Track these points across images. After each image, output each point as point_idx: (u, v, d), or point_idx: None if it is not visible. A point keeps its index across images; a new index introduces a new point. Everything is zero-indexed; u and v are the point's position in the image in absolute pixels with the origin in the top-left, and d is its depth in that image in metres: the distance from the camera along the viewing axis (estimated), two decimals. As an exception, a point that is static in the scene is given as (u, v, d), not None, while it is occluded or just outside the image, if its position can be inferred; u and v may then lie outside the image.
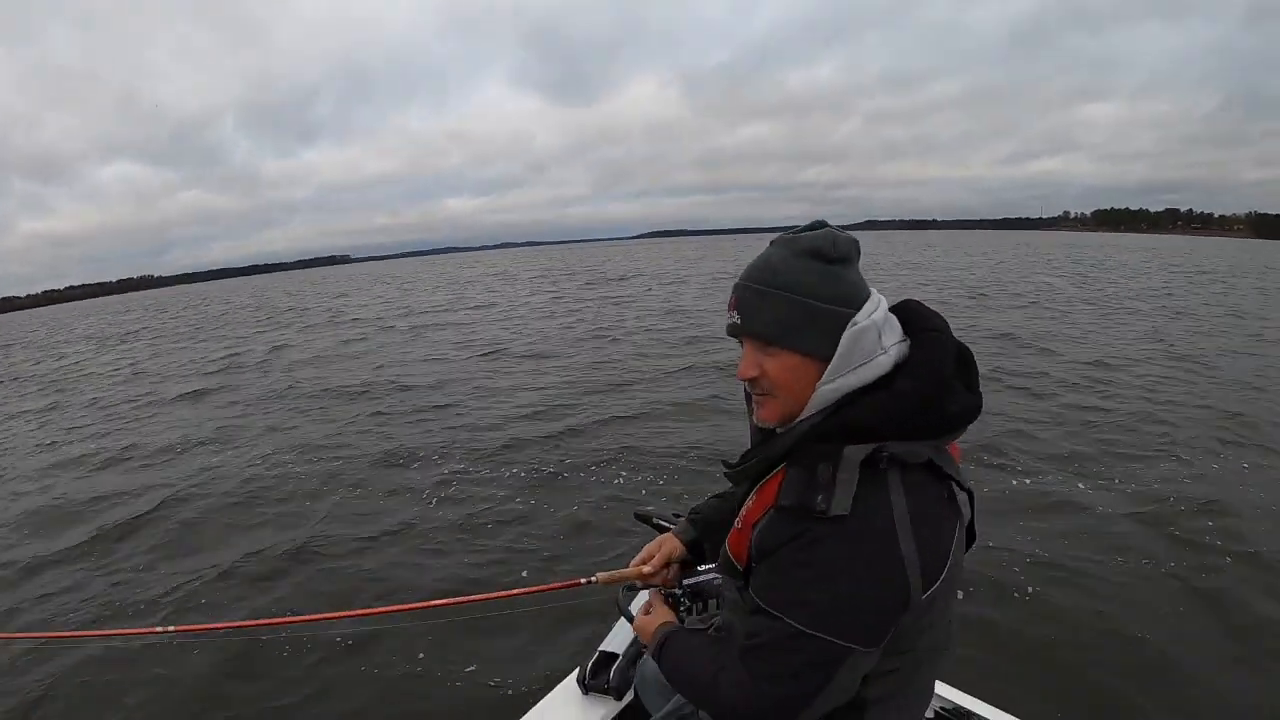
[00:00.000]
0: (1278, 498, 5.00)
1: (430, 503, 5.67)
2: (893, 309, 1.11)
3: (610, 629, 2.10)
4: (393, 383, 10.74)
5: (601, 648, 2.03)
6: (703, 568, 1.59)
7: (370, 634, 3.62)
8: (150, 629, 1.32)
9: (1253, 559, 4.15)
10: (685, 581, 1.56)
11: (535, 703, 1.97)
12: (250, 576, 4.57)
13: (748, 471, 1.15)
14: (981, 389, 1.09)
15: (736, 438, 5.96)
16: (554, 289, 29.67)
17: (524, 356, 12.57)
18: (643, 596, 2.10)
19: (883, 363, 1.03)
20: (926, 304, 1.13)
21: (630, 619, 1.69)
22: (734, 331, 1.10)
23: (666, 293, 24.42)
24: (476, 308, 23.40)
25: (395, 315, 22.94)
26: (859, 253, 1.07)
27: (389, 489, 6.05)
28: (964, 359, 1.08)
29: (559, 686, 2.02)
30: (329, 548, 4.91)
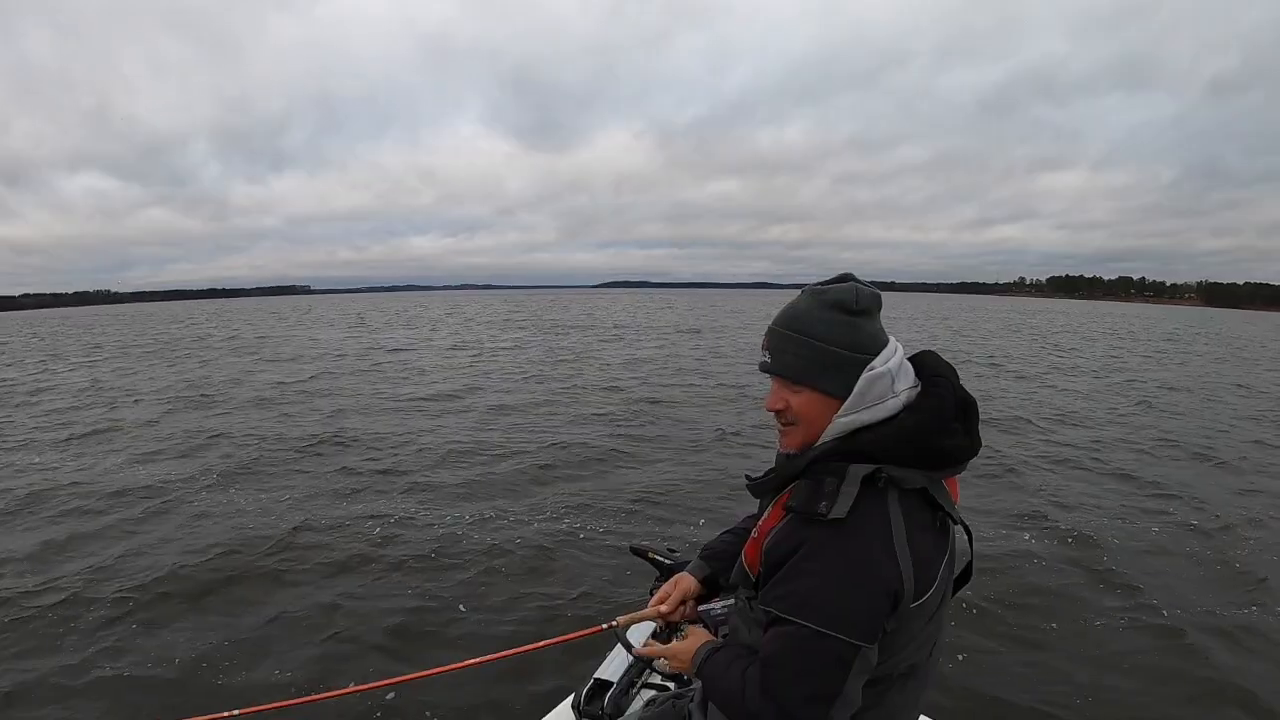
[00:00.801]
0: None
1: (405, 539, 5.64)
2: (911, 358, 1.25)
3: (606, 657, 2.16)
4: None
5: (597, 675, 2.07)
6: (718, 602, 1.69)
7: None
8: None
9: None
10: (700, 609, 1.61)
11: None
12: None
13: (766, 486, 1.28)
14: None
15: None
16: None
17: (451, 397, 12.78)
18: (639, 626, 2.18)
19: (892, 405, 1.17)
20: (940, 355, 1.28)
21: (629, 647, 1.77)
22: (765, 369, 1.26)
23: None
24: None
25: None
26: (880, 305, 1.22)
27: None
28: (966, 406, 1.21)
29: (554, 711, 2.07)
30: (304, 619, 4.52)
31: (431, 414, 11.18)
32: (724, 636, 1.43)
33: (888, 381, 1.17)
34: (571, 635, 1.68)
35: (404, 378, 15.88)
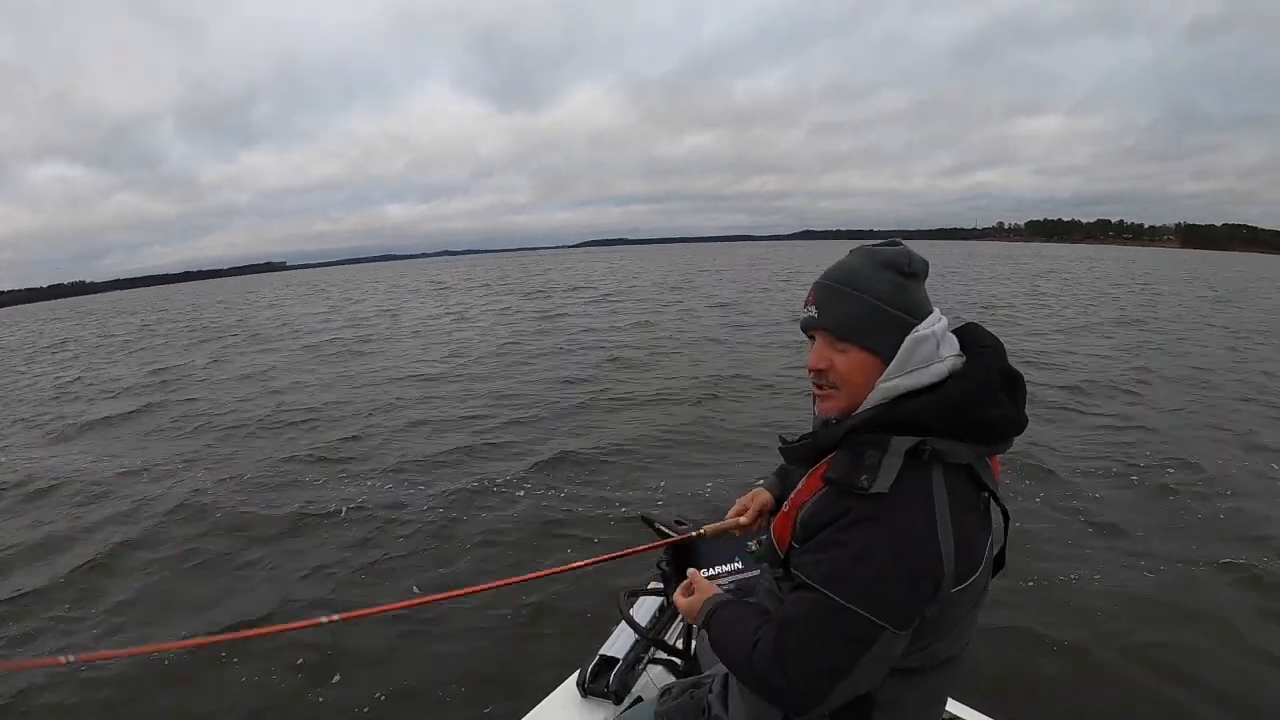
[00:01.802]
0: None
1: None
2: (956, 330, 1.21)
3: (611, 633, 2.14)
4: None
5: (602, 651, 2.07)
6: (712, 571, 1.73)
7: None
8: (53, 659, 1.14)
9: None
10: (727, 581, 1.72)
11: (535, 705, 2.01)
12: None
13: (800, 452, 1.22)
14: None
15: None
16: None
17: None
18: (645, 601, 2.16)
19: (937, 370, 1.12)
20: (985, 327, 1.23)
21: (633, 624, 1.75)
22: (810, 325, 1.20)
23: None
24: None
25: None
26: (927, 273, 1.19)
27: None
28: (1013, 378, 1.16)
29: (558, 689, 2.05)
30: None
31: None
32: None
33: (933, 345, 1.13)
34: (656, 545, 1.67)
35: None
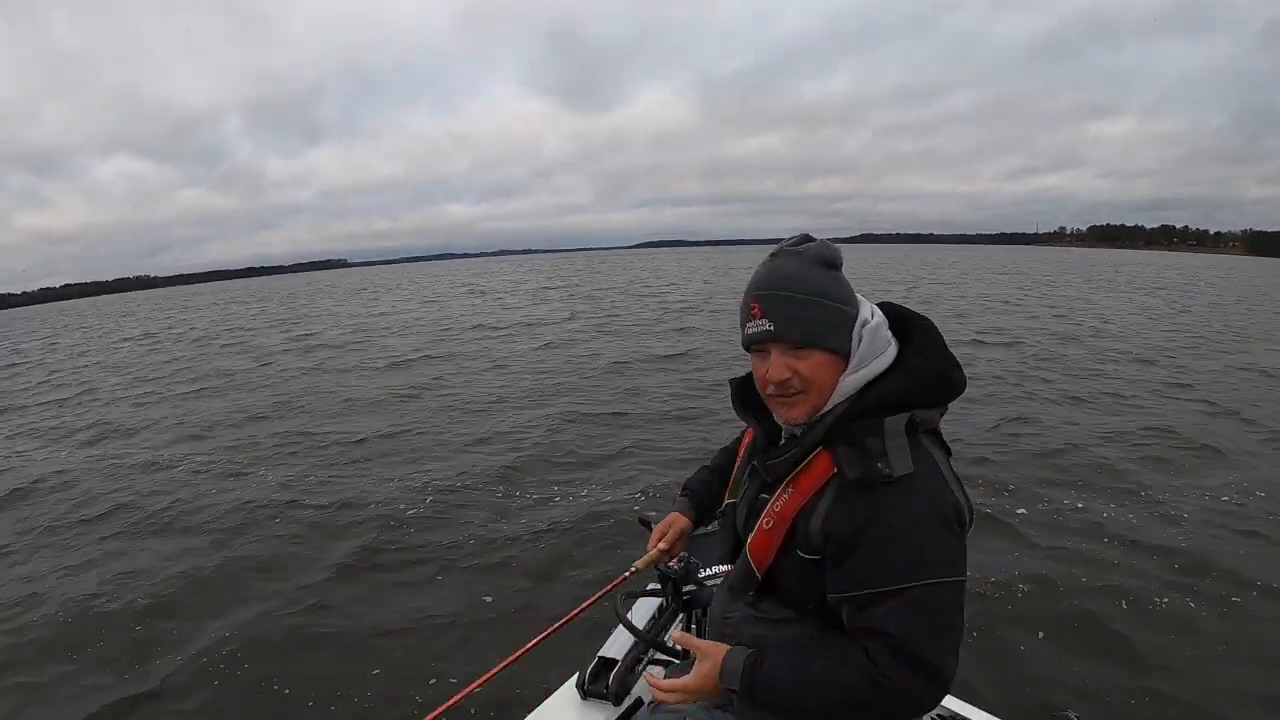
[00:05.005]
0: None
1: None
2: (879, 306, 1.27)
3: (610, 635, 2.12)
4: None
5: (601, 653, 2.05)
6: (706, 572, 1.89)
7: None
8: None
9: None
10: (684, 588, 1.88)
11: (535, 706, 2.00)
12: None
13: (787, 463, 1.21)
14: None
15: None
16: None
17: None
18: (642, 604, 2.14)
19: (890, 354, 1.19)
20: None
21: (630, 627, 1.74)
22: (764, 338, 1.18)
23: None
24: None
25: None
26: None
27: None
28: None
29: (558, 691, 2.04)
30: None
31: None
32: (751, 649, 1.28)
33: (885, 332, 1.20)
34: (590, 601, 1.94)
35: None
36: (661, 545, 1.66)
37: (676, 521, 1.69)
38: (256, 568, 4.91)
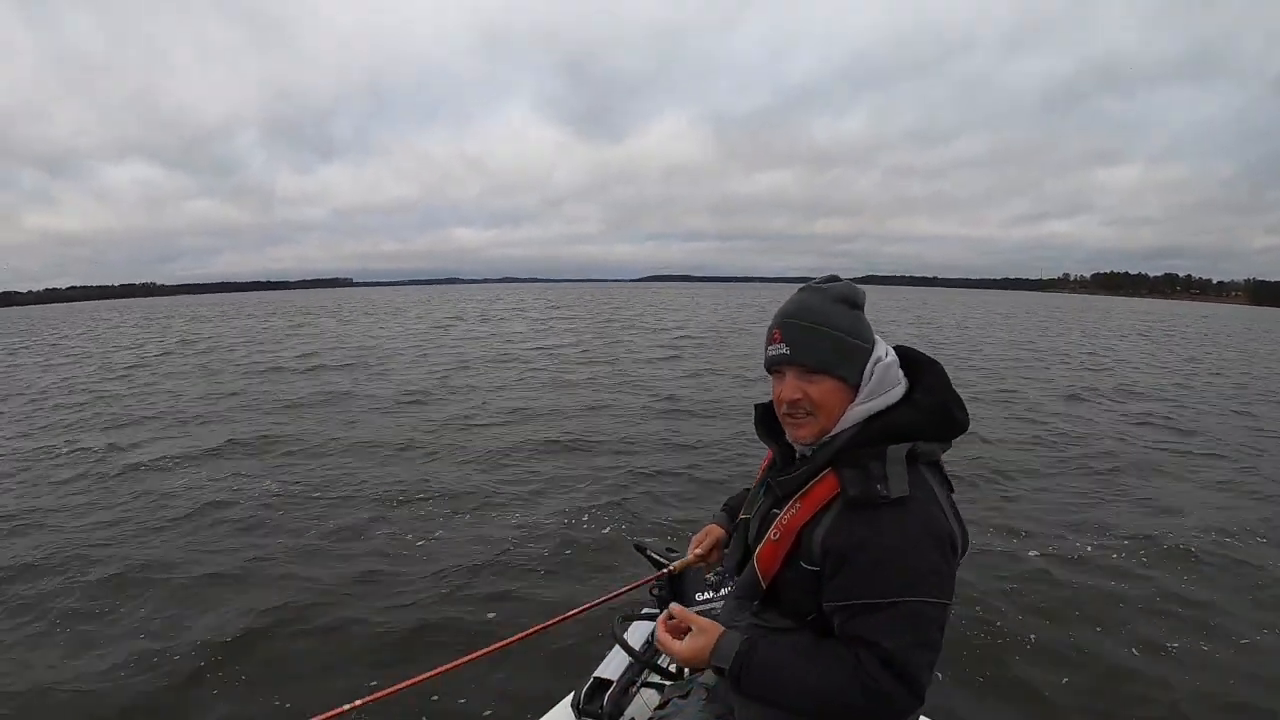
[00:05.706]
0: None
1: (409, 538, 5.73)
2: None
3: (605, 655, 2.15)
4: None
5: (597, 674, 2.08)
6: (701, 597, 1.96)
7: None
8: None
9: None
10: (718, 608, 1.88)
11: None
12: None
13: (798, 480, 1.31)
14: None
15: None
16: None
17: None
18: (638, 626, 2.18)
19: (898, 391, 1.30)
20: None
21: (626, 648, 1.77)
22: (781, 361, 1.31)
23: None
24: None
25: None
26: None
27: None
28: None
29: (553, 710, 2.07)
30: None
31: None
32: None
33: (896, 370, 1.31)
34: (626, 588, 2.01)
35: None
36: (698, 551, 1.80)
37: (712, 531, 1.83)
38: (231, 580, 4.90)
